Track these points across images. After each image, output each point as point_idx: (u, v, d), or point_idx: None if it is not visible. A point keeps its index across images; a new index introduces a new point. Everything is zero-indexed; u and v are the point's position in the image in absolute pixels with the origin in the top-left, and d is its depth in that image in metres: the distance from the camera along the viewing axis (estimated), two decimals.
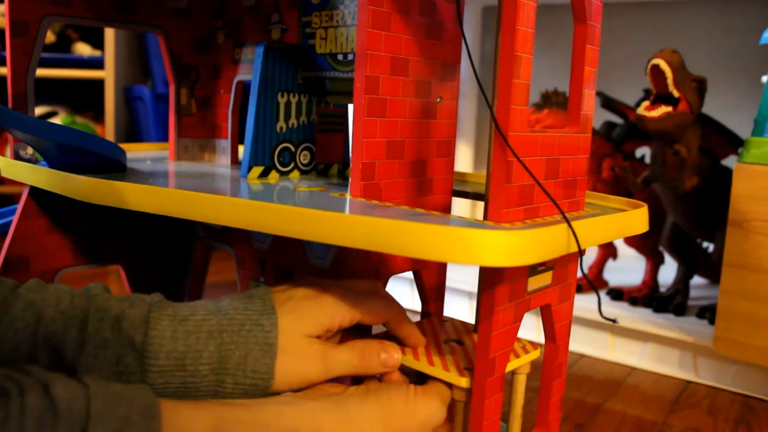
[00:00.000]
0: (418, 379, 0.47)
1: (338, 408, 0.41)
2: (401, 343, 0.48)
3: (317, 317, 0.44)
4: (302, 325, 0.44)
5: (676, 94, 0.86)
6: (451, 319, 0.56)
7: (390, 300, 0.48)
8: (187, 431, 0.35)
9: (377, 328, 0.50)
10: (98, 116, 1.81)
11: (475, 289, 0.75)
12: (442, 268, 0.58)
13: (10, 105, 0.64)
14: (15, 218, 0.66)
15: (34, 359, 0.39)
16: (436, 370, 0.46)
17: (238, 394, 0.42)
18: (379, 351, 0.46)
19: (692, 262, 1.06)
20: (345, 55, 0.58)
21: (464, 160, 1.39)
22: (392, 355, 0.46)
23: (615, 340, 1.00)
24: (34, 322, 0.40)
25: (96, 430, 0.32)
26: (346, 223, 0.39)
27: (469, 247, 0.36)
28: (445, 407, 0.44)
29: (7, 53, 0.64)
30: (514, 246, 0.37)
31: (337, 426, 0.40)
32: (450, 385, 0.46)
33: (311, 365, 0.43)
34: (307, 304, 0.45)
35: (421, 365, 0.46)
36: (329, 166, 0.66)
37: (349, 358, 0.45)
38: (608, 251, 1.15)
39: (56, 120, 1.76)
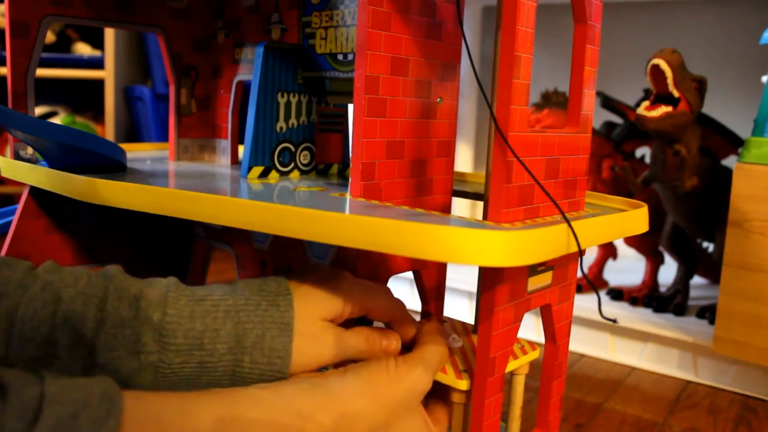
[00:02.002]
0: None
1: (318, 388, 0.40)
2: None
3: (332, 301, 0.44)
4: (318, 308, 0.44)
5: (676, 94, 0.86)
6: (451, 319, 0.56)
7: (398, 300, 0.49)
8: (153, 417, 0.33)
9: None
10: (98, 116, 1.81)
11: (475, 289, 0.75)
12: (442, 268, 0.58)
13: (10, 105, 0.64)
14: (15, 218, 0.66)
15: (54, 340, 0.39)
16: None
17: (255, 376, 0.41)
18: (381, 338, 0.46)
19: (692, 262, 1.06)
20: (345, 55, 0.58)
21: (464, 160, 1.39)
22: (392, 342, 0.46)
23: (615, 340, 1.00)
24: (53, 302, 0.39)
25: (50, 412, 0.30)
26: (346, 223, 0.39)
27: (469, 247, 0.36)
28: (430, 371, 0.44)
29: (7, 53, 0.64)
30: (514, 246, 0.37)
31: (318, 405, 0.39)
32: (447, 387, 0.46)
33: (326, 348, 0.43)
34: (322, 288, 0.44)
35: None
36: (329, 166, 0.66)
37: (356, 342, 0.45)
38: (608, 251, 1.15)
39: (56, 120, 1.76)
